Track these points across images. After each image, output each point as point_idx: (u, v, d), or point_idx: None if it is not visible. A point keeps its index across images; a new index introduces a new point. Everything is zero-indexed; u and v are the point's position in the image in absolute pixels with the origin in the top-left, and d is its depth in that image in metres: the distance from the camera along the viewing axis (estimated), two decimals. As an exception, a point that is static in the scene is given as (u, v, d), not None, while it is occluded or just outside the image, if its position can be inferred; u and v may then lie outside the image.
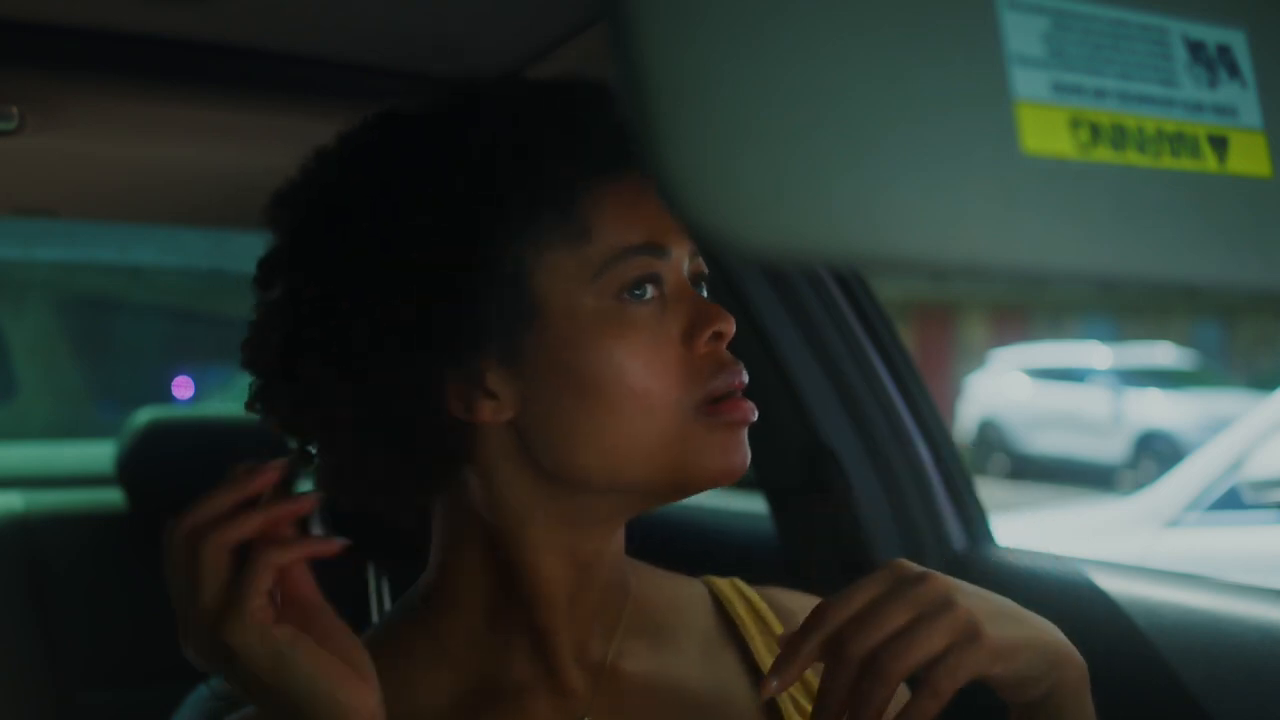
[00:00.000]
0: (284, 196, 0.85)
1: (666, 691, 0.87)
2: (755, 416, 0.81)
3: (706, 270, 0.84)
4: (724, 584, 0.96)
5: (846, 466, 1.48)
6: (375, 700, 0.76)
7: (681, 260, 0.82)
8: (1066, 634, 0.86)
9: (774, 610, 0.95)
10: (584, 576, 0.84)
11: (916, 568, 0.79)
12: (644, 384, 0.78)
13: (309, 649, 0.75)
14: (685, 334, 0.80)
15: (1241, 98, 0.48)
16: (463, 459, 0.82)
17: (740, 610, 0.94)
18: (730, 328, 0.80)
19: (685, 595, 0.95)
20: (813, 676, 0.90)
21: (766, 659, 0.90)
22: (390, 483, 0.83)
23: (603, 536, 0.85)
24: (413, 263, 0.77)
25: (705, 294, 0.84)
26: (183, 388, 3.56)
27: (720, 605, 0.94)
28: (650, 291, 0.80)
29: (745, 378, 0.81)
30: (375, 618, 1.46)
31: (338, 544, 0.79)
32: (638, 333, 0.78)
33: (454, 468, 0.82)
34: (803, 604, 0.96)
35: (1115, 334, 15.89)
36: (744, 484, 1.90)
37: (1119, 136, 0.45)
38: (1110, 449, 11.65)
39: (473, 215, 0.77)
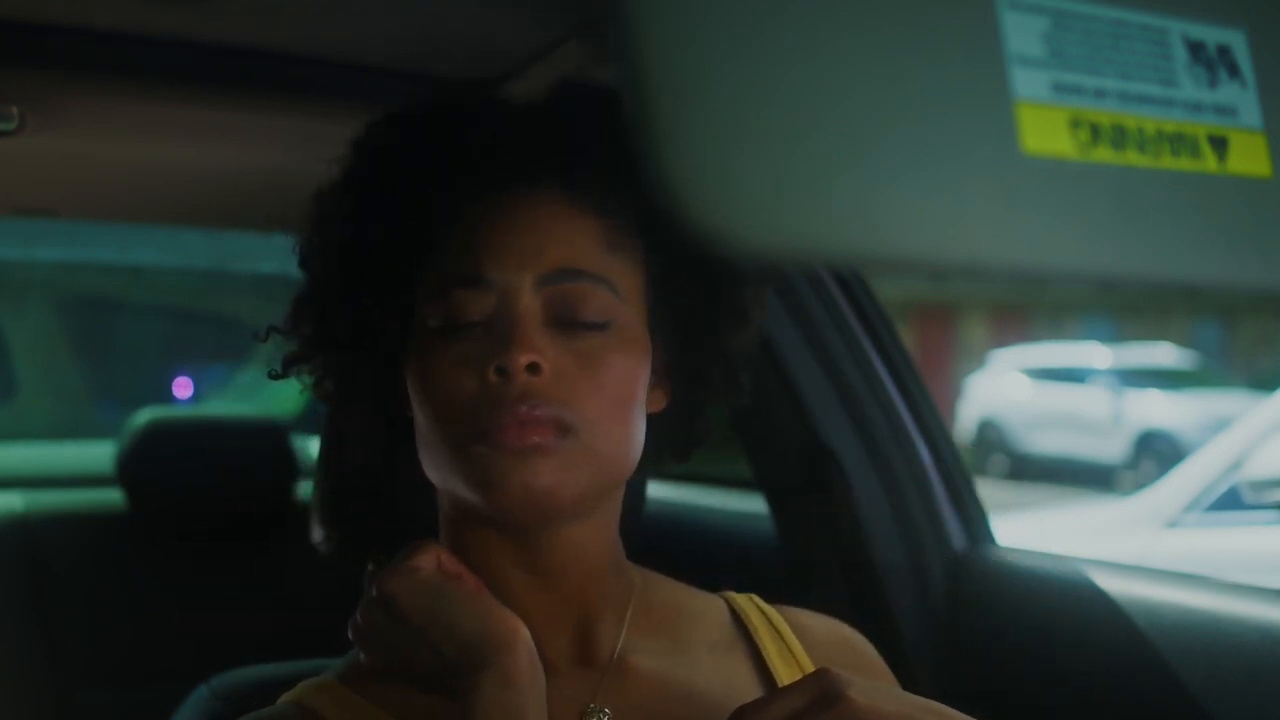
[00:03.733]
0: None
1: (676, 689, 0.88)
2: (528, 444, 0.79)
3: (579, 306, 0.82)
4: (741, 598, 0.98)
5: (846, 466, 1.48)
6: (525, 632, 0.80)
7: (516, 289, 0.82)
8: (1066, 634, 0.87)
9: (790, 625, 0.96)
10: (549, 583, 0.86)
11: (841, 684, 0.78)
12: (439, 413, 0.82)
13: (460, 586, 0.83)
14: (480, 365, 0.81)
15: (1241, 98, 0.48)
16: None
17: (756, 622, 0.95)
18: (515, 361, 0.79)
19: (699, 605, 0.96)
20: None
21: (779, 667, 0.92)
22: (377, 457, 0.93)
23: (536, 546, 0.85)
24: (324, 281, 0.88)
25: (583, 328, 0.82)
26: (183, 388, 3.56)
27: (736, 618, 0.96)
28: (468, 322, 0.82)
29: (535, 408, 0.79)
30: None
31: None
32: (443, 362, 0.82)
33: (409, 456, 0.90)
34: (819, 622, 0.98)
35: (1115, 334, 15.89)
36: (744, 484, 1.90)
37: (1119, 136, 0.45)
38: (1110, 449, 11.65)
39: (361, 241, 0.86)
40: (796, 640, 0.95)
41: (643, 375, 0.85)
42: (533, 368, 0.80)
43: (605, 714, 0.85)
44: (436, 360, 0.82)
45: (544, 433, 0.79)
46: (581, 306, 0.82)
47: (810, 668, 0.93)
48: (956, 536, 1.50)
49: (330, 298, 0.88)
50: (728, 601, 0.97)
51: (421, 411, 0.83)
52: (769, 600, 0.99)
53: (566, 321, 0.82)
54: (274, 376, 0.93)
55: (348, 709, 0.83)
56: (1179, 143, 0.46)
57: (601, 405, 0.82)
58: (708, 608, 0.96)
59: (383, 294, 0.87)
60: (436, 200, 0.86)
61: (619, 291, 0.84)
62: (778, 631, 0.95)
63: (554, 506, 0.81)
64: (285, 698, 0.87)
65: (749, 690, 0.90)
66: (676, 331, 0.88)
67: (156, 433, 2.27)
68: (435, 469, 0.84)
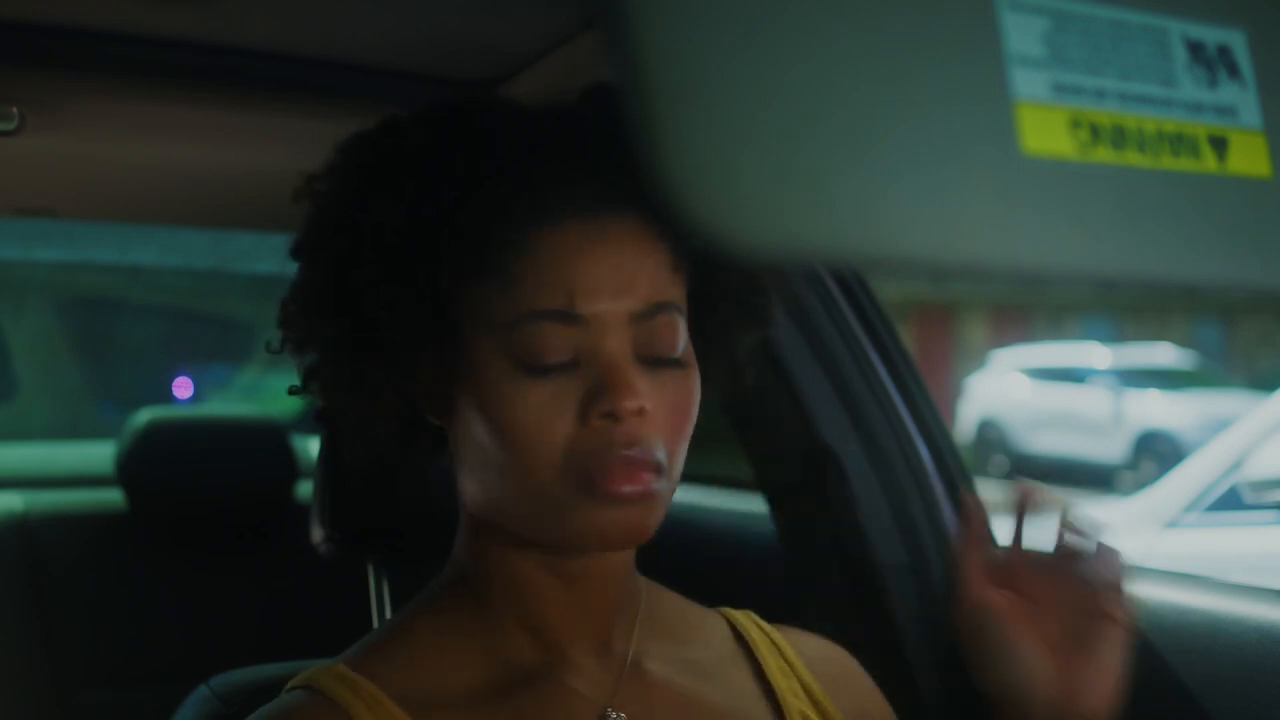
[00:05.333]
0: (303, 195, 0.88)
1: (687, 693, 0.88)
2: (640, 490, 0.77)
3: (670, 342, 0.80)
4: (739, 614, 0.98)
5: (846, 466, 1.48)
6: None
7: (612, 327, 0.79)
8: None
9: (789, 642, 0.96)
10: (575, 589, 0.85)
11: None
12: (526, 449, 0.78)
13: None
14: (579, 407, 0.78)
15: (1241, 98, 0.48)
16: (428, 437, 0.88)
17: (755, 636, 0.95)
18: (626, 407, 0.77)
19: (701, 616, 0.96)
20: (825, 698, 0.93)
21: (779, 680, 0.92)
22: (379, 437, 0.89)
23: (570, 559, 0.84)
24: (360, 271, 0.81)
25: (667, 361, 0.80)
26: (183, 388, 3.56)
27: (736, 631, 0.96)
28: (557, 358, 0.78)
29: (643, 452, 0.77)
30: (375, 618, 1.46)
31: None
32: (533, 400, 0.77)
33: (416, 437, 0.88)
34: (813, 640, 0.99)
35: (1115, 334, 15.90)
36: (744, 484, 1.90)
37: (1119, 137, 0.45)
38: (1110, 449, 11.64)
39: (409, 240, 0.80)
40: (796, 655, 0.95)
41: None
42: (637, 412, 0.78)
43: (622, 718, 0.84)
44: (520, 396, 0.78)
45: (647, 478, 0.78)
46: (667, 340, 0.80)
47: (811, 682, 0.93)
48: (956, 536, 1.50)
49: (368, 300, 0.82)
50: (726, 617, 0.97)
51: (499, 446, 0.79)
52: (768, 609, 1.00)
53: (653, 356, 0.80)
54: (295, 392, 0.89)
55: (355, 691, 0.82)
56: (1179, 143, 0.46)
57: (681, 438, 0.81)
58: (708, 620, 0.96)
59: (431, 306, 0.82)
60: (512, 220, 0.79)
61: (684, 315, 0.82)
62: (776, 647, 0.95)
63: (638, 543, 0.80)
64: (292, 683, 0.86)
65: (755, 699, 0.91)
66: (701, 337, 0.86)
67: (156, 433, 2.27)
68: (494, 496, 0.81)
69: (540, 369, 0.78)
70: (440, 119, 0.85)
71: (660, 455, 0.79)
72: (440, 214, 0.80)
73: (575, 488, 0.77)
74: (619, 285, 0.79)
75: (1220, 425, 6.12)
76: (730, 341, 0.89)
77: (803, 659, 0.95)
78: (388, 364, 0.83)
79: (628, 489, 0.77)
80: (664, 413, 0.79)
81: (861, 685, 0.98)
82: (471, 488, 0.84)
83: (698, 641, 0.93)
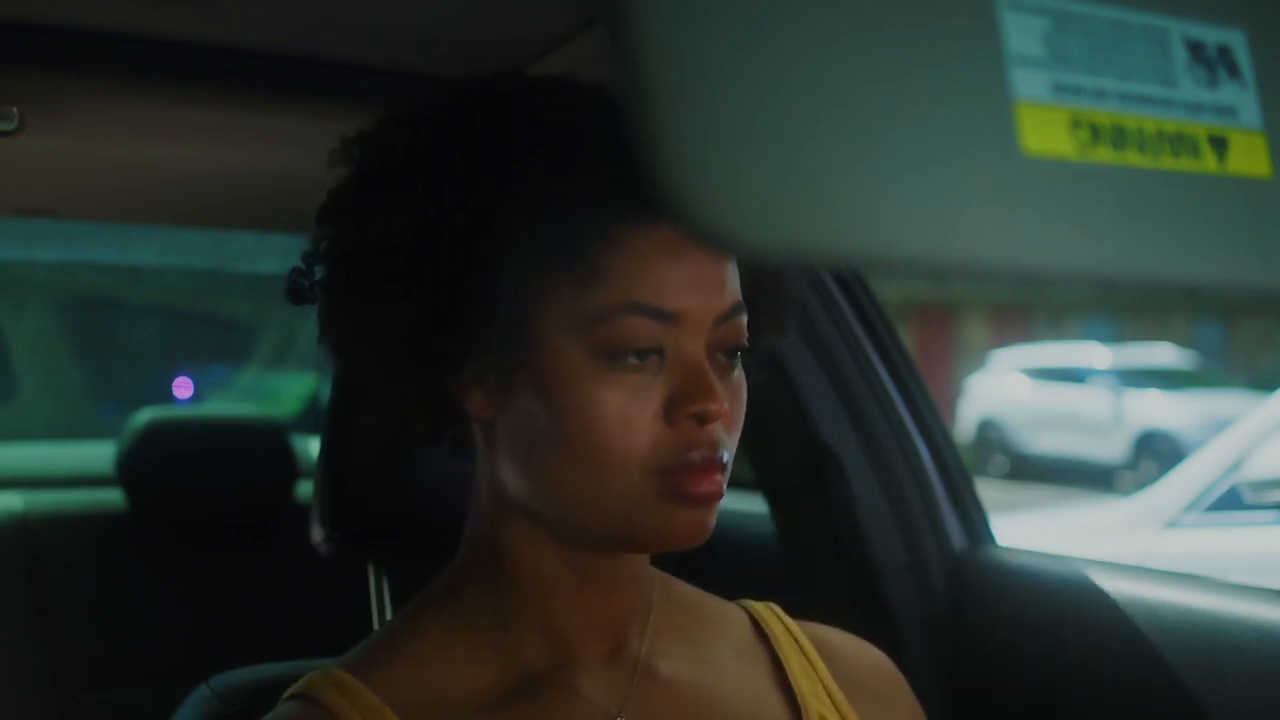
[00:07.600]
0: (335, 191, 0.85)
1: (700, 695, 0.87)
2: (716, 490, 0.78)
3: (741, 340, 0.80)
4: (760, 607, 0.96)
5: (846, 466, 1.48)
6: None
7: (699, 327, 0.78)
8: (1066, 634, 0.86)
9: (813, 641, 0.95)
10: (597, 588, 0.84)
11: None
12: (607, 444, 0.76)
13: None
14: (665, 406, 0.77)
15: (1241, 98, 0.48)
16: (455, 430, 0.86)
17: (776, 633, 0.94)
18: (715, 409, 0.77)
19: (720, 610, 0.95)
20: (845, 702, 0.91)
21: (801, 681, 0.91)
22: (398, 429, 0.88)
23: (601, 559, 0.84)
24: (422, 253, 0.78)
25: (734, 361, 0.81)
26: (183, 388, 3.56)
27: (757, 625, 0.94)
28: (645, 357, 0.77)
29: (722, 455, 0.78)
30: (375, 618, 1.46)
31: None
32: (616, 396, 0.76)
33: (446, 428, 0.86)
34: (847, 642, 0.97)
35: (1115, 334, 15.92)
36: (744, 484, 1.91)
37: (1119, 137, 0.45)
38: (1110, 449, 11.66)
39: (484, 226, 0.77)
40: (819, 656, 0.93)
41: None
42: (723, 414, 0.78)
43: None
44: (601, 391, 0.76)
45: (720, 479, 0.78)
46: (739, 341, 0.81)
47: (833, 685, 0.92)
48: (956, 536, 1.50)
49: (433, 282, 0.78)
50: (747, 610, 0.96)
51: (573, 440, 0.77)
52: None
53: (725, 356, 0.80)
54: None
55: (354, 700, 0.81)
56: (1179, 143, 0.46)
57: (737, 438, 0.81)
58: (727, 613, 0.95)
59: (497, 293, 0.79)
60: (603, 213, 0.77)
61: None
62: (799, 645, 0.94)
63: (699, 543, 0.80)
64: (291, 691, 0.85)
65: (769, 698, 0.89)
66: None
67: (156, 433, 2.28)
68: (546, 489, 0.80)
69: (623, 364, 0.77)
70: (515, 97, 0.81)
71: (727, 456, 0.79)
72: (517, 201, 0.77)
73: (654, 486, 0.77)
74: (710, 284, 0.78)
75: (1220, 425, 6.13)
76: (760, 347, 0.88)
77: (828, 660, 0.93)
78: (449, 344, 0.80)
79: (706, 490, 0.77)
80: (731, 414, 0.80)
81: (896, 694, 0.96)
82: (514, 478, 0.82)
83: (714, 638, 0.91)
